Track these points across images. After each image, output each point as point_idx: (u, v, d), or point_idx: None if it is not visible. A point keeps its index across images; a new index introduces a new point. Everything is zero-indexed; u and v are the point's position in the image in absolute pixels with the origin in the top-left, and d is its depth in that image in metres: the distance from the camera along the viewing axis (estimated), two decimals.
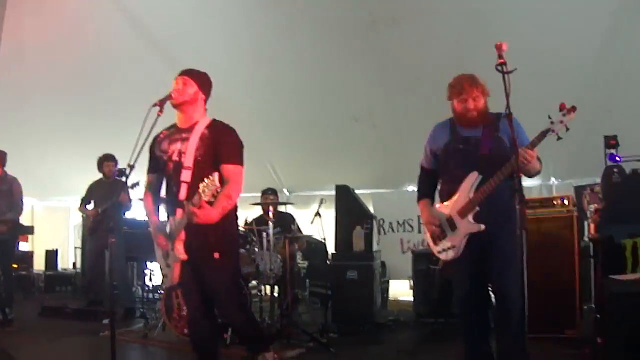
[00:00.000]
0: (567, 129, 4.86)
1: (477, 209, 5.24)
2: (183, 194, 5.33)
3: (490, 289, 5.58)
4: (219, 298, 5.62)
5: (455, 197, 5.42)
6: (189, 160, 5.39)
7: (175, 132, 5.64)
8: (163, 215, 5.79)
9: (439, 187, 5.84)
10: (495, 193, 5.14)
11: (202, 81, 5.69)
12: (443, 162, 5.66)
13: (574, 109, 4.86)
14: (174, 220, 5.43)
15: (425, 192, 5.94)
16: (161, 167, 5.68)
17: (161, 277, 6.01)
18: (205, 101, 5.74)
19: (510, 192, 4.99)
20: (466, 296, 5.65)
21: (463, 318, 5.84)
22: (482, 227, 5.19)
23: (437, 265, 8.80)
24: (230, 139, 5.58)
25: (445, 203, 5.58)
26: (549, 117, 4.92)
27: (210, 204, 5.09)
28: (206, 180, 4.84)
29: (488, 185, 5.15)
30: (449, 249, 5.49)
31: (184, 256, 5.31)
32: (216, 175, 4.90)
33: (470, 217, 5.28)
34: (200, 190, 4.86)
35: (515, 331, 5.09)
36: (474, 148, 5.37)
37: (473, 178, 5.28)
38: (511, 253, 4.94)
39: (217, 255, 5.43)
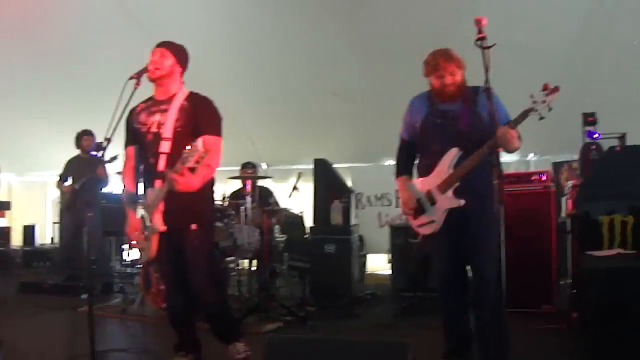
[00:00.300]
0: (550, 109, 4.84)
1: (457, 184, 5.22)
2: (162, 164, 5.33)
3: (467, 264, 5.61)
4: (193, 271, 5.60)
5: (435, 172, 5.38)
6: (168, 131, 5.39)
7: (153, 104, 5.63)
8: (140, 188, 5.79)
9: (416, 161, 5.81)
10: (474, 168, 5.12)
11: (179, 53, 5.67)
12: (421, 135, 5.61)
13: (556, 89, 4.84)
14: (152, 191, 5.42)
15: (404, 167, 5.89)
16: (139, 139, 5.67)
17: (137, 251, 5.99)
18: (182, 74, 5.73)
19: (489, 167, 5.01)
20: (444, 271, 5.65)
21: (441, 293, 5.82)
22: (462, 202, 5.17)
23: (415, 239, 8.82)
24: (209, 110, 5.57)
25: (423, 178, 5.55)
26: (531, 96, 4.89)
27: (192, 171, 5.08)
28: (188, 147, 4.83)
29: (470, 161, 5.11)
30: (427, 223, 5.48)
31: (162, 227, 5.31)
32: (199, 140, 4.89)
33: (450, 192, 5.25)
34: (184, 156, 4.85)
35: (492, 306, 5.11)
36: (452, 122, 5.34)
37: (453, 153, 5.24)
38: (488, 228, 5.02)
39: (194, 227, 5.45)
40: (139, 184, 5.86)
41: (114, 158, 9.65)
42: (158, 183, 5.31)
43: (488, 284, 5.12)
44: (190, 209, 5.42)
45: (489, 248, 5.03)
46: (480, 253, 5.22)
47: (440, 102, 5.45)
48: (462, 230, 5.30)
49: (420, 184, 5.58)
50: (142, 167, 5.77)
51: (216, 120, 5.58)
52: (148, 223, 5.43)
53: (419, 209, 5.54)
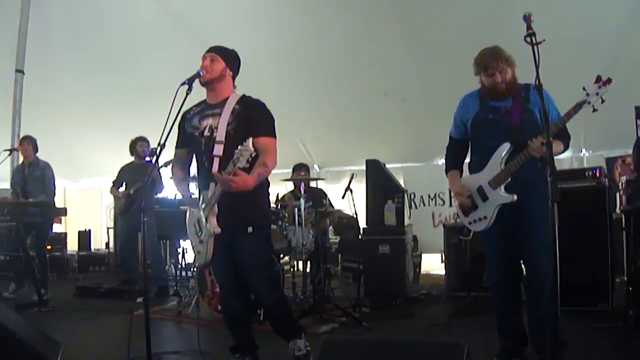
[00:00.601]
0: (603, 101, 4.80)
1: (509, 179, 5.22)
2: (215, 168, 5.32)
3: (521, 261, 5.57)
4: (250, 273, 5.62)
5: (486, 168, 5.39)
6: (220, 135, 5.40)
7: (206, 108, 5.66)
8: (194, 192, 5.84)
9: (468, 159, 5.84)
10: (526, 164, 5.11)
11: (230, 57, 5.69)
12: (473, 132, 5.63)
13: (609, 80, 4.78)
14: (206, 194, 5.44)
15: (454, 163, 5.93)
16: (191, 143, 5.70)
17: (193, 254, 6.02)
18: (233, 78, 5.75)
19: (542, 163, 4.98)
20: (497, 268, 5.63)
21: (495, 291, 5.80)
22: (515, 197, 5.17)
23: (467, 237, 8.78)
24: (261, 112, 5.58)
25: (475, 174, 5.56)
26: (584, 89, 4.85)
27: (246, 172, 5.10)
28: (240, 147, 4.85)
29: (521, 156, 5.10)
30: (479, 219, 5.48)
31: (217, 229, 5.32)
32: (249, 140, 4.89)
33: (502, 188, 5.25)
34: (235, 157, 4.87)
35: (548, 304, 4.99)
36: (503, 118, 5.35)
37: (504, 148, 5.25)
38: (542, 224, 4.92)
39: (250, 229, 5.46)
40: (189, 185, 5.92)
41: (168, 163, 9.70)
42: (212, 186, 5.31)
43: (543, 281, 5.06)
44: (245, 212, 5.43)
45: (544, 244, 4.91)
46: (535, 250, 5.20)
47: (492, 100, 5.44)
48: (515, 227, 5.29)
49: (471, 180, 5.58)
50: (193, 170, 5.83)
51: (269, 121, 5.58)
52: (204, 226, 5.44)
53: (471, 206, 5.53)
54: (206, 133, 5.53)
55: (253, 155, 4.94)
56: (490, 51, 5.35)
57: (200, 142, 5.58)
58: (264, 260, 5.73)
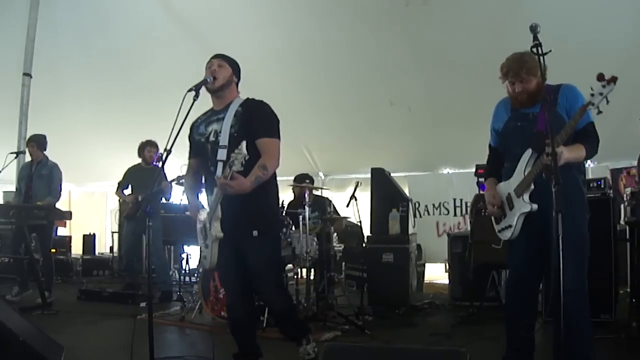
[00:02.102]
0: (607, 102, 4.61)
1: (532, 187, 5.10)
2: (219, 172, 5.31)
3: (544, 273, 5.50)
4: (257, 279, 5.62)
5: (514, 175, 5.32)
6: (224, 139, 5.40)
7: (212, 115, 5.68)
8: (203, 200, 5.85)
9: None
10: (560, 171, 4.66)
11: (234, 65, 5.72)
12: (503, 140, 5.61)
13: (613, 78, 4.59)
14: (212, 200, 5.44)
15: (491, 171, 5.85)
16: (200, 150, 5.70)
17: (199, 258, 6.03)
18: (237, 85, 5.77)
19: (575, 170, 5.06)
20: (516, 277, 5.56)
21: (509, 298, 5.73)
22: (535, 206, 5.08)
23: (498, 245, 8.67)
24: (264, 113, 5.57)
25: (505, 181, 5.49)
26: (591, 89, 4.68)
27: (245, 175, 5.07)
28: (236, 150, 4.86)
29: (538, 164, 4.99)
30: (506, 228, 5.40)
31: (220, 234, 5.30)
32: (243, 143, 4.87)
33: (526, 196, 5.15)
34: (230, 161, 4.87)
35: (576, 318, 4.99)
36: (530, 124, 5.25)
37: (527, 155, 5.18)
38: (571, 234, 4.60)
39: (255, 233, 5.43)
40: (199, 194, 5.92)
41: (180, 178, 9.71)
42: (216, 191, 5.28)
43: (572, 294, 4.73)
44: (249, 216, 5.41)
45: (573, 256, 4.73)
46: (563, 261, 4.95)
47: (520, 107, 5.37)
48: (543, 237, 5.14)
49: (502, 187, 5.53)
50: (203, 178, 5.83)
51: (271, 122, 5.56)
52: (208, 231, 5.44)
53: (501, 214, 5.48)
54: (211, 138, 5.54)
55: (247, 158, 4.90)
56: (512, 59, 5.24)
57: (207, 149, 5.58)
58: (271, 266, 5.68)
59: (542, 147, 4.74)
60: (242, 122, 5.41)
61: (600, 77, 4.65)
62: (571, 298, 4.57)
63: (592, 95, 4.65)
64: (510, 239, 5.40)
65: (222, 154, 5.38)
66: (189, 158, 5.90)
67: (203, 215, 5.59)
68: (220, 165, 5.36)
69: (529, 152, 5.17)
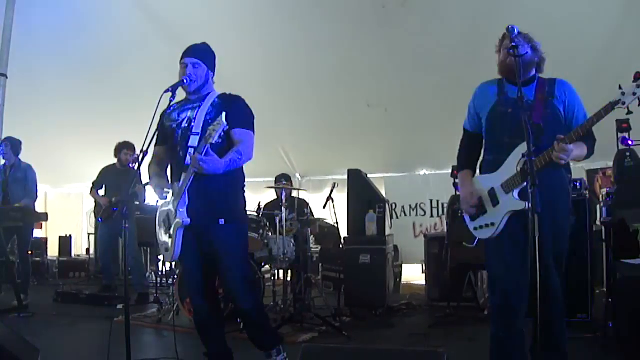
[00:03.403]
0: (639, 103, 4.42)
1: (524, 184, 4.64)
2: (189, 159, 5.24)
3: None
4: (223, 269, 5.47)
5: (502, 168, 4.90)
6: (197, 126, 5.36)
7: (186, 103, 5.65)
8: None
9: (481, 157, 5.32)
10: (549, 169, 4.71)
11: (208, 59, 5.66)
12: (489, 126, 5.16)
13: None
14: (177, 186, 5.35)
15: (466, 162, 5.42)
16: (169, 137, 5.62)
17: (161, 253, 5.88)
18: (213, 77, 5.73)
19: (565, 169, 5.00)
20: (501, 279, 5.04)
21: (494, 300, 5.25)
22: (528, 205, 4.38)
23: (470, 244, 8.50)
24: (240, 106, 5.56)
25: (488, 174, 5.08)
26: (620, 87, 4.47)
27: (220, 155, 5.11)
28: (214, 123, 4.86)
29: (540, 159, 4.61)
30: (487, 226, 5.00)
31: (187, 220, 5.23)
32: (223, 114, 4.91)
33: (515, 193, 4.77)
34: (208, 133, 4.90)
35: (557, 320, 4.87)
36: (522, 112, 4.53)
37: (521, 148, 4.67)
38: (556, 235, 4.76)
39: (222, 222, 5.35)
40: (166, 179, 5.76)
41: (148, 184, 9.72)
42: (183, 177, 5.25)
43: (554, 298, 4.73)
44: (216, 202, 5.35)
45: (555, 256, 4.74)
46: (550, 265, 4.77)
47: (511, 88, 4.97)
48: (527, 237, 4.44)
49: (484, 180, 5.12)
50: (169, 167, 5.76)
51: (248, 115, 5.56)
52: (172, 218, 5.36)
53: (479, 210, 5.07)
54: (184, 125, 5.49)
55: (225, 129, 4.96)
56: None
57: (177, 134, 5.52)
58: (238, 258, 5.53)
59: (542, 141, 4.66)
60: (219, 112, 5.26)
61: (637, 76, 4.62)
62: (558, 299, 4.69)
63: (623, 94, 4.45)
64: (488, 239, 5.03)
65: (194, 141, 5.33)
66: (155, 145, 5.74)
67: (166, 205, 5.52)
68: (191, 152, 5.28)
69: (524, 145, 4.50)
